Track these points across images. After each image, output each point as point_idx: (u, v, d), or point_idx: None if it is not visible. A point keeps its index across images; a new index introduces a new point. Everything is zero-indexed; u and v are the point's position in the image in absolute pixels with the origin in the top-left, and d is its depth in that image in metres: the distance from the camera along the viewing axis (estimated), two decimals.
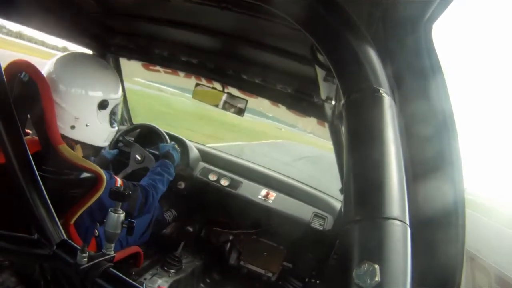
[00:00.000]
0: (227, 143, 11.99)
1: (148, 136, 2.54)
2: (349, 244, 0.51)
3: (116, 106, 1.69)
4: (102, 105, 1.60)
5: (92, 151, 1.66)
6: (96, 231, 1.71)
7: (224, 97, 2.21)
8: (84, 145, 1.61)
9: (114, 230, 1.06)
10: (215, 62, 2.11)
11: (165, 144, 2.27)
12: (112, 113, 1.67)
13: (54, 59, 1.58)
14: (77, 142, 1.59)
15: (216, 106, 2.23)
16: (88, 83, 1.57)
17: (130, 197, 1.18)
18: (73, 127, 1.55)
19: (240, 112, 2.20)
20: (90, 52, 2.34)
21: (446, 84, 0.74)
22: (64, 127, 1.53)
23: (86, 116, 1.57)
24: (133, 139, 2.57)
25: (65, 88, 1.51)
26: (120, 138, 2.53)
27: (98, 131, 1.63)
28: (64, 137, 1.53)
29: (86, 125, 1.57)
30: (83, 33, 2.13)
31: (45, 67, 1.55)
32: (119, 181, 1.61)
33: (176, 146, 2.26)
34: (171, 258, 2.32)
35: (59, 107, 1.50)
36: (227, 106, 2.20)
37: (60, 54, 1.60)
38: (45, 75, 1.51)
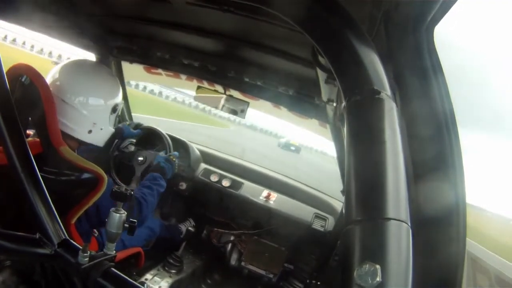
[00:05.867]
0: None
1: (149, 138, 2.54)
2: (350, 244, 0.51)
3: (120, 109, 1.78)
4: (114, 109, 1.69)
5: (95, 153, 1.69)
6: (95, 230, 1.71)
7: (225, 99, 2.21)
8: (90, 149, 1.67)
9: (116, 230, 1.06)
10: (216, 65, 2.11)
11: (159, 155, 2.23)
12: (117, 116, 1.77)
13: (63, 67, 1.61)
14: (86, 144, 1.64)
15: (218, 108, 2.24)
16: (105, 91, 1.66)
17: (131, 198, 1.18)
18: (90, 131, 1.61)
19: (241, 114, 2.21)
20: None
21: (447, 85, 0.74)
22: (81, 132, 1.59)
23: (102, 120, 1.65)
24: (134, 140, 2.58)
25: (84, 97, 1.57)
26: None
27: (107, 134, 1.72)
28: (72, 140, 1.58)
29: (101, 129, 1.65)
30: (85, 35, 2.13)
31: (54, 74, 1.58)
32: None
33: (171, 157, 2.20)
34: (172, 258, 2.32)
35: (80, 114, 1.56)
36: (228, 108, 2.21)
37: (67, 62, 1.65)
38: (57, 82, 1.55)
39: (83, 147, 1.65)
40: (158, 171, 2.05)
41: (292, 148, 27.40)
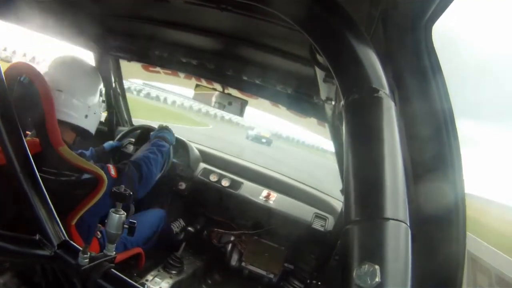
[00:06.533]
0: None
1: (148, 137, 2.54)
2: (349, 244, 0.51)
3: (103, 93, 1.84)
4: (101, 93, 1.76)
5: (88, 144, 1.78)
6: (99, 233, 1.72)
7: (224, 98, 2.21)
8: (86, 136, 1.71)
9: (116, 231, 1.06)
10: (215, 63, 2.11)
11: (151, 134, 2.28)
12: (103, 101, 1.83)
13: (55, 62, 1.64)
14: (81, 133, 1.68)
15: (216, 107, 2.23)
16: (94, 77, 1.73)
17: (131, 197, 1.18)
18: (86, 116, 1.65)
19: (239, 112, 2.20)
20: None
21: (445, 84, 0.74)
22: (78, 117, 1.62)
23: (95, 103, 1.70)
24: (133, 140, 2.58)
25: (79, 83, 1.64)
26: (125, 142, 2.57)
27: (98, 118, 1.76)
28: (69, 129, 1.62)
29: (94, 113, 1.70)
30: (83, 34, 2.13)
31: (48, 69, 1.60)
32: (111, 168, 1.67)
33: (163, 125, 2.28)
34: (172, 259, 2.32)
35: (76, 99, 1.61)
36: (227, 107, 2.21)
37: (59, 58, 1.68)
38: (51, 75, 1.56)
39: (78, 139, 1.70)
40: (156, 138, 2.13)
41: (263, 140, 26.08)
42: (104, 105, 1.84)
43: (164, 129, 2.23)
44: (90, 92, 1.67)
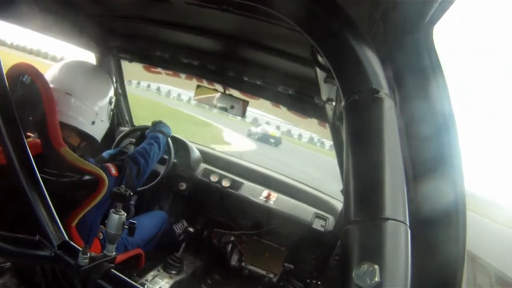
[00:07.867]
0: None
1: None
2: (349, 244, 0.51)
3: (114, 102, 1.83)
4: (110, 101, 1.74)
5: (92, 150, 1.76)
6: (101, 234, 1.72)
7: (226, 100, 2.21)
8: (91, 142, 1.70)
9: (116, 231, 1.06)
10: (216, 64, 2.11)
11: (146, 132, 2.26)
12: (112, 110, 1.80)
13: (66, 65, 1.65)
14: (87, 138, 1.67)
15: (217, 107, 2.23)
16: (105, 84, 1.73)
17: (131, 197, 1.18)
18: (93, 122, 1.64)
19: (241, 113, 2.20)
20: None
21: (446, 85, 0.74)
22: (85, 123, 1.61)
23: (103, 111, 1.69)
24: (134, 140, 2.58)
25: (89, 88, 1.63)
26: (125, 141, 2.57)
27: (105, 127, 1.75)
28: (75, 135, 1.61)
29: (101, 120, 1.69)
30: (84, 35, 2.14)
31: (55, 71, 1.60)
32: (111, 167, 1.66)
33: (156, 121, 2.27)
34: (172, 259, 2.31)
35: (84, 105, 1.60)
36: (228, 107, 2.21)
37: (71, 62, 1.69)
38: (61, 77, 1.57)
39: (84, 144, 1.68)
40: (154, 132, 2.12)
41: (272, 140, 22.78)
42: (111, 113, 1.82)
43: (157, 124, 2.22)
44: (99, 99, 1.66)
